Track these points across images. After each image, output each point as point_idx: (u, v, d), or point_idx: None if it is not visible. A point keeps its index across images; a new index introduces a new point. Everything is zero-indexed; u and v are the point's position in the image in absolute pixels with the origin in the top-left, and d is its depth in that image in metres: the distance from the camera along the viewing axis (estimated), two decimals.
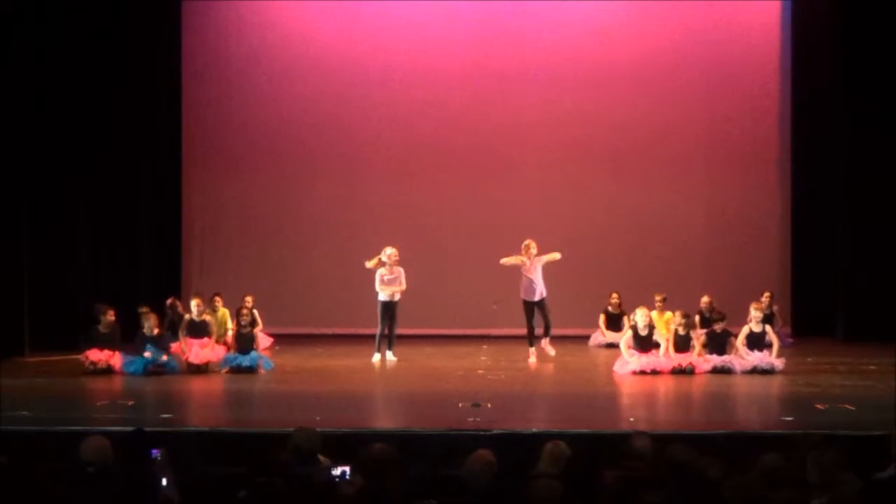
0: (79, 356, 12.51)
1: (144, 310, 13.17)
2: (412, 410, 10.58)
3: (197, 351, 12.70)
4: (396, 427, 9.21)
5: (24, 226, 13.92)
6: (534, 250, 13.27)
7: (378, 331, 13.48)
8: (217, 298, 14.24)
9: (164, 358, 12.35)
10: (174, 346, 12.95)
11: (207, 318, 13.28)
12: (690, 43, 16.68)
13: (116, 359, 12.34)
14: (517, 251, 13.41)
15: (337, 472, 6.22)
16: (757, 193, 16.74)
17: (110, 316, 12.59)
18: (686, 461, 5.88)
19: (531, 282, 13.28)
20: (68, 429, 8.41)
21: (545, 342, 13.45)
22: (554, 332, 13.76)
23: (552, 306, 13.47)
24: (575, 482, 5.65)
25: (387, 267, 13.43)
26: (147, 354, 12.22)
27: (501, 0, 16.84)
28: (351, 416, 9.69)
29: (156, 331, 12.63)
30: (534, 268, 13.26)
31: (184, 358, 12.57)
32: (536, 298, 13.31)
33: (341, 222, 16.84)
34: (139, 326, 12.61)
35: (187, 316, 13.21)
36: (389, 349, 13.53)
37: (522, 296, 13.37)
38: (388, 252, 13.45)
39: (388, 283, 13.42)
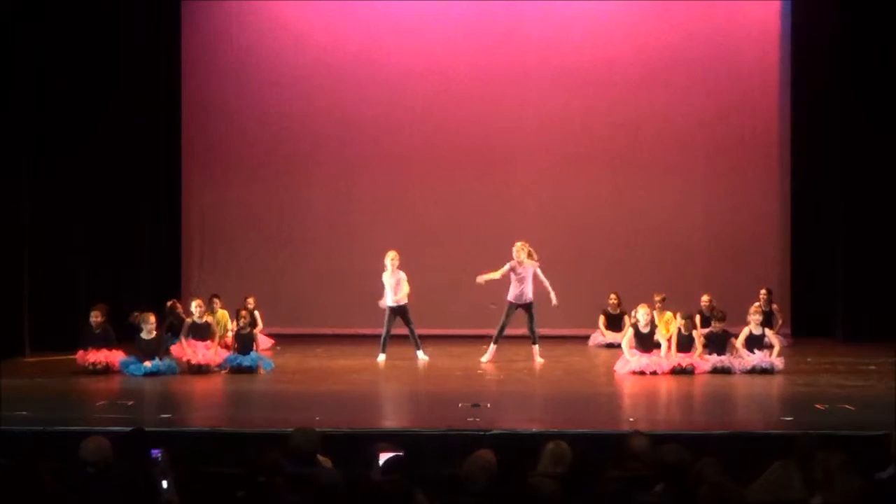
0: (75, 356, 12.49)
1: (139, 314, 12.89)
2: (412, 410, 10.56)
3: (200, 352, 12.63)
4: (396, 427, 9.20)
5: (24, 226, 13.91)
6: (524, 254, 13.14)
7: (384, 332, 13.39)
8: (216, 300, 14.22)
9: (159, 362, 12.27)
10: (175, 348, 12.92)
11: (209, 319, 13.22)
12: (690, 43, 16.67)
13: (115, 358, 12.31)
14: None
15: (381, 461, 6.17)
16: (757, 193, 16.73)
17: (96, 317, 12.51)
18: (677, 461, 5.87)
19: (522, 286, 13.15)
20: (68, 429, 8.40)
21: (536, 350, 13.32)
22: (554, 332, 13.74)
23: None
24: (575, 482, 5.65)
25: (390, 271, 13.37)
26: (148, 364, 12.17)
27: (500, 0, 16.85)
28: (351, 416, 9.69)
29: (154, 333, 12.52)
30: (526, 272, 13.15)
31: (184, 359, 12.52)
32: (525, 302, 13.21)
33: (341, 222, 16.85)
34: (137, 330, 12.50)
35: (189, 319, 13.09)
36: (418, 349, 13.46)
37: (510, 298, 13.21)
38: (391, 256, 13.38)
39: (392, 287, 13.34)
